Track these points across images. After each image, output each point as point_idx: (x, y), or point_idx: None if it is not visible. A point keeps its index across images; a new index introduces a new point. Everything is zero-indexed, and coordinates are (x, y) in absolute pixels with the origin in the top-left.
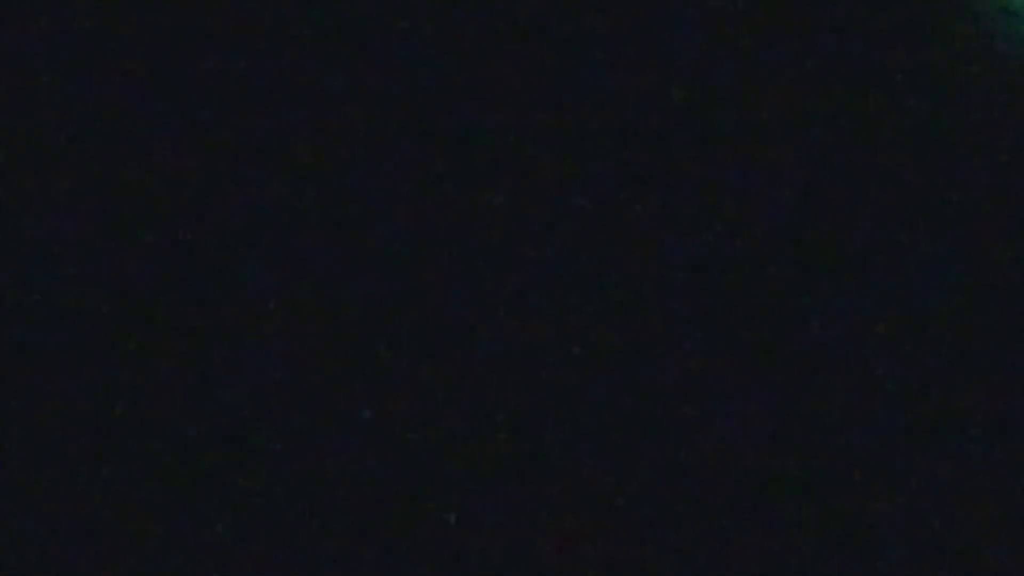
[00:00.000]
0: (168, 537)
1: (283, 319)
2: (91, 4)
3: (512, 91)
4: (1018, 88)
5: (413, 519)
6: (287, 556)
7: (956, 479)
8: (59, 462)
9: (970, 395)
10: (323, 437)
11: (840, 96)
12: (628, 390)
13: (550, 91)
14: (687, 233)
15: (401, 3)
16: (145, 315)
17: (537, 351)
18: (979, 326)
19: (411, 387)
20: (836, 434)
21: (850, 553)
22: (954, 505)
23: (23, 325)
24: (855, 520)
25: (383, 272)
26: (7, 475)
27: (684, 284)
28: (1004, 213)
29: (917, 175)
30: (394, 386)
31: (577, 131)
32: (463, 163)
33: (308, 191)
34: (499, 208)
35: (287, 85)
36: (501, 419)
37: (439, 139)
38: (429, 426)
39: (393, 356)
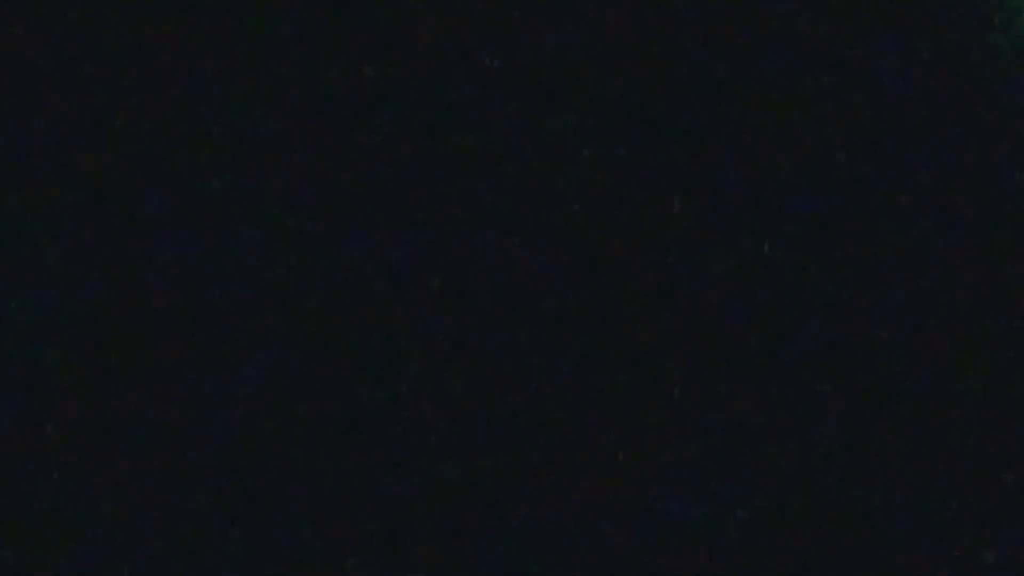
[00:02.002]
0: (168, 536)
1: (281, 318)
2: (91, 5)
3: (510, 90)
4: (1017, 88)
5: (411, 518)
6: (286, 554)
7: (956, 478)
8: (59, 461)
9: (970, 393)
10: (321, 434)
11: (840, 96)
12: (628, 388)
13: (549, 89)
14: (686, 230)
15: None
16: (145, 315)
17: (537, 352)
18: (979, 325)
19: (411, 390)
20: (834, 434)
21: (849, 552)
22: (954, 504)
23: (24, 326)
24: (854, 519)
25: (383, 271)
26: (9, 476)
27: (683, 283)
28: (1005, 212)
29: (916, 175)
30: (393, 389)
31: (576, 131)
32: (462, 162)
33: (307, 191)
34: (497, 208)
35: (286, 85)
36: (499, 418)
37: (438, 138)
38: (428, 430)
39: (392, 357)
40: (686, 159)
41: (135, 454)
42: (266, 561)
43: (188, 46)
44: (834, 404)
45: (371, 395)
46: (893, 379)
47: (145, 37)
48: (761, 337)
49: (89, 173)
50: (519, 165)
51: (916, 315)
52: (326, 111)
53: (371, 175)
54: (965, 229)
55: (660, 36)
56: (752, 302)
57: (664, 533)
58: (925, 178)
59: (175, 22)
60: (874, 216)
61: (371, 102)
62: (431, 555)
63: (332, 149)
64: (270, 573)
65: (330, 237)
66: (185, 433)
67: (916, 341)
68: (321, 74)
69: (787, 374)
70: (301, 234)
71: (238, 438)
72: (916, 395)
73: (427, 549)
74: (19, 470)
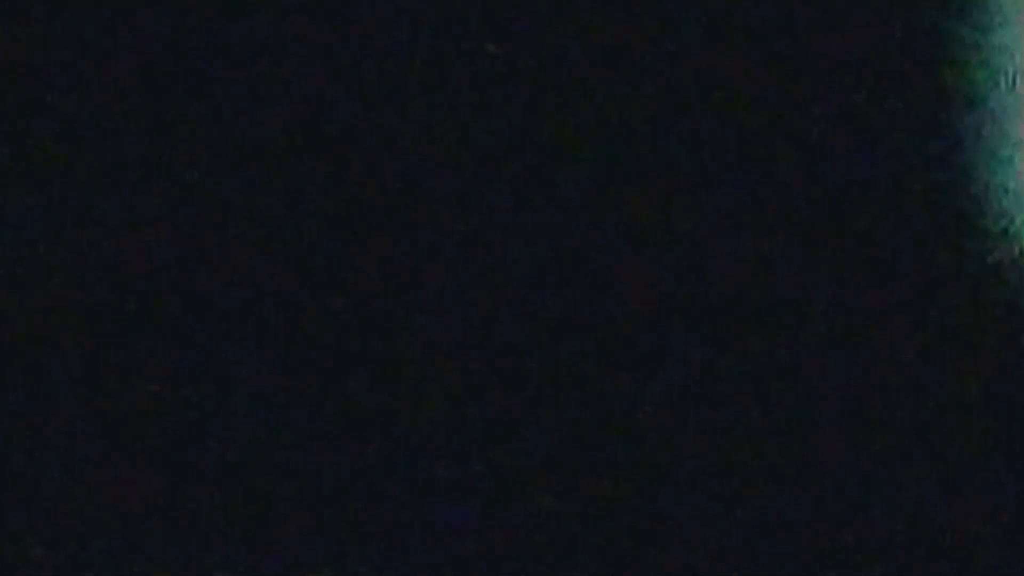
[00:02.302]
0: (168, 536)
1: (281, 318)
2: (91, 4)
3: (510, 90)
4: (1014, 94)
5: (411, 518)
6: (286, 554)
7: (956, 479)
8: (60, 461)
9: (970, 393)
10: (319, 433)
11: (840, 96)
12: (627, 388)
13: (548, 90)
14: (686, 229)
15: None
16: (145, 314)
17: (537, 352)
18: (979, 326)
19: (411, 391)
20: (834, 434)
21: (850, 552)
22: (954, 504)
23: (24, 326)
24: (852, 519)
25: (383, 271)
26: (9, 476)
27: (683, 283)
28: (1005, 212)
29: (916, 175)
30: (393, 390)
31: (575, 131)
32: (463, 162)
33: (307, 190)
34: (497, 208)
35: (286, 85)
36: (499, 418)
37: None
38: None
39: (389, 358)
40: (686, 159)
41: (135, 454)
42: (266, 561)
43: (188, 46)
44: (834, 404)
45: (371, 395)
46: (893, 379)
47: (145, 37)
48: (761, 337)
49: (89, 173)
50: (519, 165)
51: (916, 315)
52: (326, 111)
53: (372, 175)
54: (965, 229)
55: (660, 35)
56: (752, 302)
57: (664, 533)
58: (925, 178)
59: (175, 22)
60: (874, 216)
61: (372, 102)
62: (431, 555)
63: (332, 149)
64: (270, 573)
65: (330, 237)
66: (185, 433)
67: (916, 341)
68: (321, 74)
69: (787, 374)
70: (301, 234)
71: (238, 438)
72: (916, 395)
73: (427, 549)
74: (19, 470)
